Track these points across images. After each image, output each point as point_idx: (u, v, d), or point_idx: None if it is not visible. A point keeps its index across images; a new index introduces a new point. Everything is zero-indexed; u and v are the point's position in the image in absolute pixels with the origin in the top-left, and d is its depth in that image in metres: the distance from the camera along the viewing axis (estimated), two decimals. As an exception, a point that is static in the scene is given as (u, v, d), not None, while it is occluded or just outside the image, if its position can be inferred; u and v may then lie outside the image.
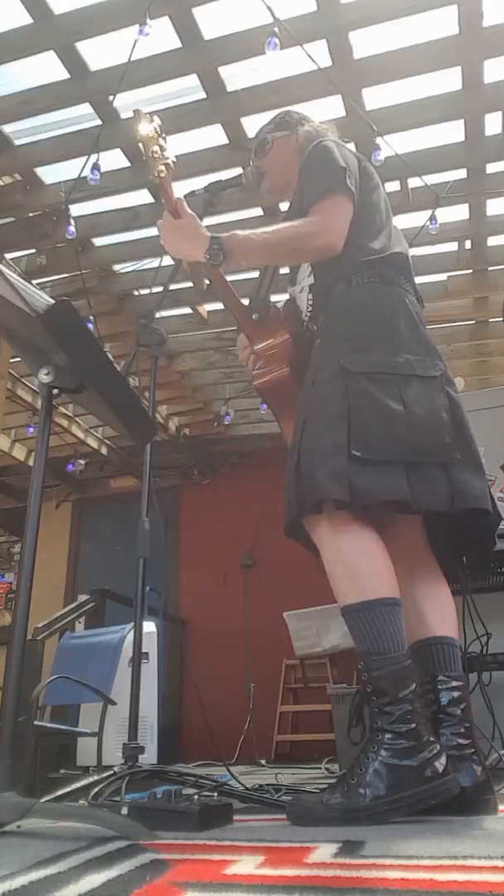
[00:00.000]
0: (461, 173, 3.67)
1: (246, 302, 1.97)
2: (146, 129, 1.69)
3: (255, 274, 2.12)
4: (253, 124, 3.40)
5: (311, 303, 1.83)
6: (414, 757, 1.34)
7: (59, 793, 1.48)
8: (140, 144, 1.72)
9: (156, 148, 1.70)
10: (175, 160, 1.74)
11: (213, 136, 3.53)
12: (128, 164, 3.68)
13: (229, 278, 1.91)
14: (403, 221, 3.58)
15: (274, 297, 2.01)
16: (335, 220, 1.68)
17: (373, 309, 1.68)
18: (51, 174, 3.77)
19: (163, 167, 1.71)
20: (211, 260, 1.64)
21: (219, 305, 4.81)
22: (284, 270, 2.05)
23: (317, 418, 1.58)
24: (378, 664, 1.43)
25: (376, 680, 1.42)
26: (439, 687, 1.54)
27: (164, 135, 1.74)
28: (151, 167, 1.71)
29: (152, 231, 4.09)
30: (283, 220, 1.78)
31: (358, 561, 1.50)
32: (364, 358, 1.60)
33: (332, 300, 1.75)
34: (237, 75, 3.28)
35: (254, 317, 1.90)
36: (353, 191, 1.73)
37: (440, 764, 1.35)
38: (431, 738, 1.39)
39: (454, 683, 1.55)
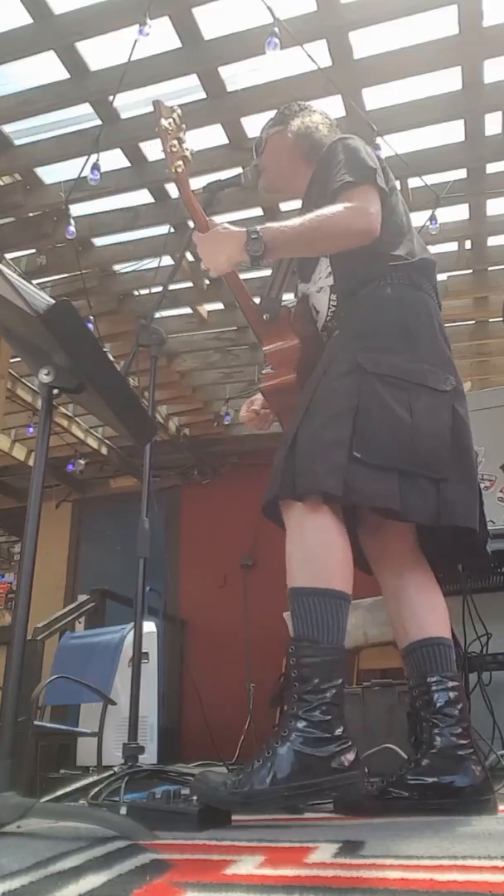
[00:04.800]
0: (461, 173, 3.66)
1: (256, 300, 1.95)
2: (165, 122, 1.66)
3: (266, 273, 2.10)
4: (253, 124, 3.41)
5: (334, 304, 1.79)
6: (323, 748, 1.34)
7: (59, 793, 1.48)
8: (158, 138, 1.69)
9: (174, 142, 1.67)
10: (193, 152, 1.71)
11: (213, 136, 3.53)
12: (128, 164, 3.67)
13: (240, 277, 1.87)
14: (403, 221, 3.58)
15: (284, 296, 1.98)
16: (371, 205, 1.64)
17: (398, 310, 1.67)
18: (51, 174, 3.77)
19: (180, 162, 1.67)
20: (252, 251, 1.57)
21: (219, 305, 4.81)
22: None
23: (323, 409, 1.56)
24: (309, 651, 1.41)
25: (303, 667, 1.41)
26: (434, 688, 1.54)
27: (184, 127, 1.71)
28: (169, 162, 1.68)
29: (152, 231, 4.09)
30: (297, 216, 1.75)
31: (318, 548, 1.49)
32: (381, 359, 1.58)
33: (358, 300, 1.72)
34: (237, 75, 3.28)
35: (265, 317, 1.87)
36: (386, 189, 1.71)
37: (348, 758, 1.35)
38: (344, 735, 1.38)
39: (450, 684, 1.55)
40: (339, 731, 1.37)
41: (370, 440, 1.51)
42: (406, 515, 1.53)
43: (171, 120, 1.68)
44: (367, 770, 1.42)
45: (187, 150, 1.70)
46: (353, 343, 1.64)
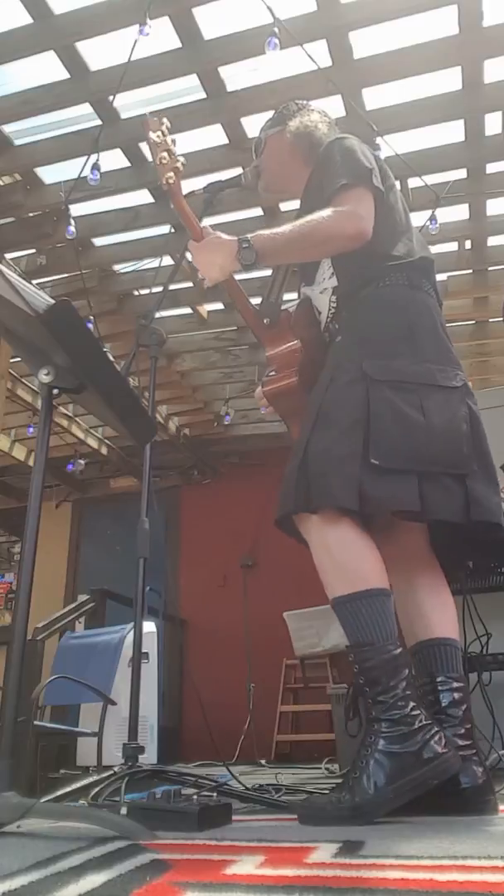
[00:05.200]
0: (461, 173, 3.67)
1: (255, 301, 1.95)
2: (153, 135, 1.68)
3: (265, 273, 2.09)
4: (253, 124, 3.41)
5: (334, 305, 1.79)
6: (411, 741, 1.36)
7: (59, 793, 1.48)
8: (148, 150, 1.71)
9: (164, 154, 1.68)
10: (184, 163, 1.72)
11: (212, 136, 3.53)
12: (128, 164, 3.68)
13: (238, 277, 1.86)
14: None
15: (286, 296, 1.98)
16: (363, 207, 1.64)
17: (399, 312, 1.66)
18: (51, 174, 3.77)
19: (171, 174, 1.69)
20: (244, 261, 1.59)
21: (219, 305, 4.81)
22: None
23: (333, 420, 1.57)
24: (368, 655, 1.44)
25: (368, 671, 1.43)
26: (440, 688, 1.54)
27: (173, 139, 1.71)
28: (160, 174, 1.69)
29: (152, 231, 4.10)
30: (296, 216, 1.76)
31: (345, 554, 1.51)
32: (387, 365, 1.58)
33: (358, 301, 1.72)
34: (237, 75, 3.28)
35: (265, 321, 1.87)
36: (382, 189, 1.70)
37: (437, 743, 1.37)
38: (426, 720, 1.40)
39: (455, 685, 1.55)
40: (420, 721, 1.39)
41: (384, 445, 1.50)
42: (429, 515, 1.53)
43: (159, 133, 1.69)
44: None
45: (178, 160, 1.71)
46: (357, 349, 1.63)
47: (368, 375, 1.56)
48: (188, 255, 1.73)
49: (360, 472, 1.48)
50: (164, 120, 1.72)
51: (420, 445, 1.52)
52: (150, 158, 3.60)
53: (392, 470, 1.49)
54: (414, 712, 1.39)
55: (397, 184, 1.89)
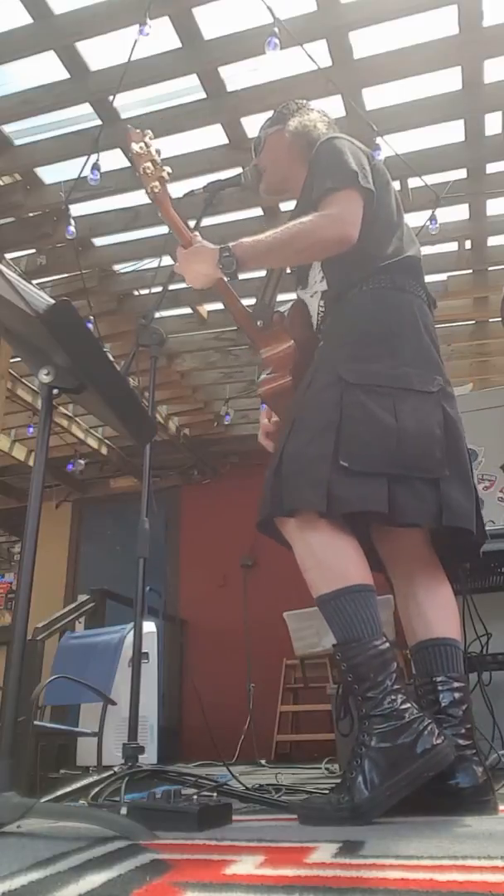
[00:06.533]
0: (461, 173, 3.67)
1: (248, 303, 1.96)
2: (136, 147, 1.69)
3: (260, 274, 2.10)
4: (253, 124, 3.41)
5: (322, 309, 1.80)
6: (404, 734, 1.36)
7: (59, 793, 1.48)
8: (132, 162, 1.73)
9: (147, 164, 1.70)
10: (170, 171, 1.73)
11: (212, 136, 3.54)
12: (128, 164, 3.67)
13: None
14: (403, 221, 3.60)
15: (280, 297, 1.98)
16: (348, 211, 1.63)
17: (379, 314, 1.66)
18: (51, 174, 3.78)
19: (156, 183, 1.70)
20: (224, 269, 1.60)
21: (219, 305, 4.81)
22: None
23: (306, 424, 1.58)
24: (355, 651, 1.44)
25: (355, 667, 1.44)
26: (440, 688, 1.54)
27: (157, 149, 1.73)
28: (145, 184, 1.71)
29: (152, 231, 4.10)
30: (289, 218, 1.75)
31: (326, 553, 1.52)
32: (362, 368, 1.58)
33: (342, 305, 1.72)
34: (237, 75, 3.28)
35: (258, 323, 1.88)
36: (372, 189, 1.69)
37: (430, 735, 1.37)
38: (417, 713, 1.40)
39: (455, 685, 1.55)
40: (411, 714, 1.39)
41: (355, 448, 1.51)
42: (398, 519, 1.54)
43: (142, 144, 1.70)
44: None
45: (163, 169, 1.71)
46: (336, 353, 1.65)
47: (343, 379, 1.57)
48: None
49: (330, 473, 1.49)
50: (148, 131, 1.73)
51: (391, 449, 1.52)
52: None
53: (361, 472, 1.50)
54: (404, 706, 1.39)
55: (396, 184, 1.89)
